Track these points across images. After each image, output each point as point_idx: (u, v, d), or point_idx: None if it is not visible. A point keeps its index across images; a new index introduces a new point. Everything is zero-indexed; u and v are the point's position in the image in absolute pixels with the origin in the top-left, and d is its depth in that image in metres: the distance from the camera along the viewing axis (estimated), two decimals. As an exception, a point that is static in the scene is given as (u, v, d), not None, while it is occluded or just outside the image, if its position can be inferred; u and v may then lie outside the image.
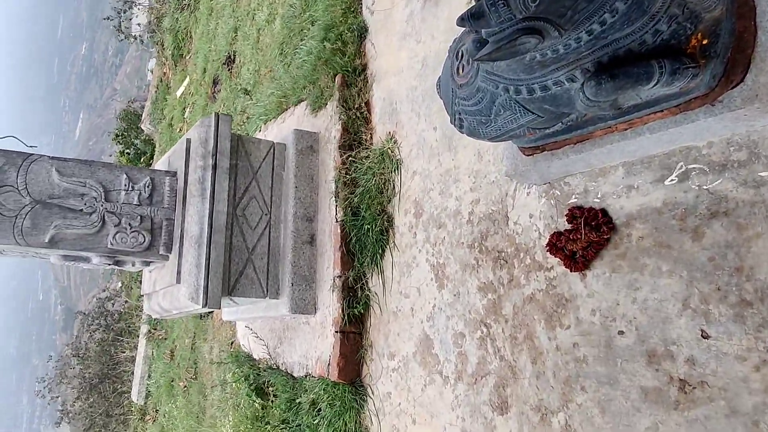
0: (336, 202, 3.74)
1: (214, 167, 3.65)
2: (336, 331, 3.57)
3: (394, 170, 3.43)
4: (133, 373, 9.04)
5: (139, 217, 3.64)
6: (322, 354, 3.70)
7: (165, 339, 7.93)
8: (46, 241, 3.44)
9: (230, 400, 5.38)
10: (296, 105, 4.49)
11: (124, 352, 9.62)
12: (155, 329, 8.27)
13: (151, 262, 3.77)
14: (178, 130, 8.56)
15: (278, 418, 4.20)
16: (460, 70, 1.88)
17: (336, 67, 3.98)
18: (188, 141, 3.75)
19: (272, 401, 4.40)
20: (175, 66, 9.05)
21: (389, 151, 3.50)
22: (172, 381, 7.36)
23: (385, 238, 3.47)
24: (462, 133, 1.99)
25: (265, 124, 4.94)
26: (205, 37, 7.78)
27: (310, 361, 3.86)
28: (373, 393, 3.44)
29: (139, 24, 12.04)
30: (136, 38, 11.52)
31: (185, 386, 6.86)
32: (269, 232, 3.87)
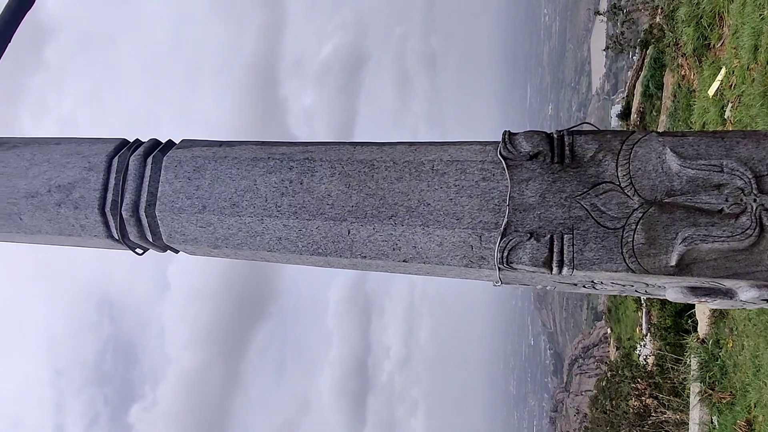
0: None
1: None
2: None
3: None
4: (683, 441, 7.40)
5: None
6: None
7: (732, 404, 6.07)
8: (672, 263, 2.18)
9: None
10: None
11: (665, 413, 8.06)
12: (712, 389, 6.48)
13: None
14: (715, 135, 6.80)
15: None
16: None
17: None
18: None
19: None
20: (699, 63, 7.40)
21: None
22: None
23: None
24: None
25: None
26: (750, 5, 5.95)
27: None
28: None
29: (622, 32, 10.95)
30: (633, 46, 10.42)
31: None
32: None
